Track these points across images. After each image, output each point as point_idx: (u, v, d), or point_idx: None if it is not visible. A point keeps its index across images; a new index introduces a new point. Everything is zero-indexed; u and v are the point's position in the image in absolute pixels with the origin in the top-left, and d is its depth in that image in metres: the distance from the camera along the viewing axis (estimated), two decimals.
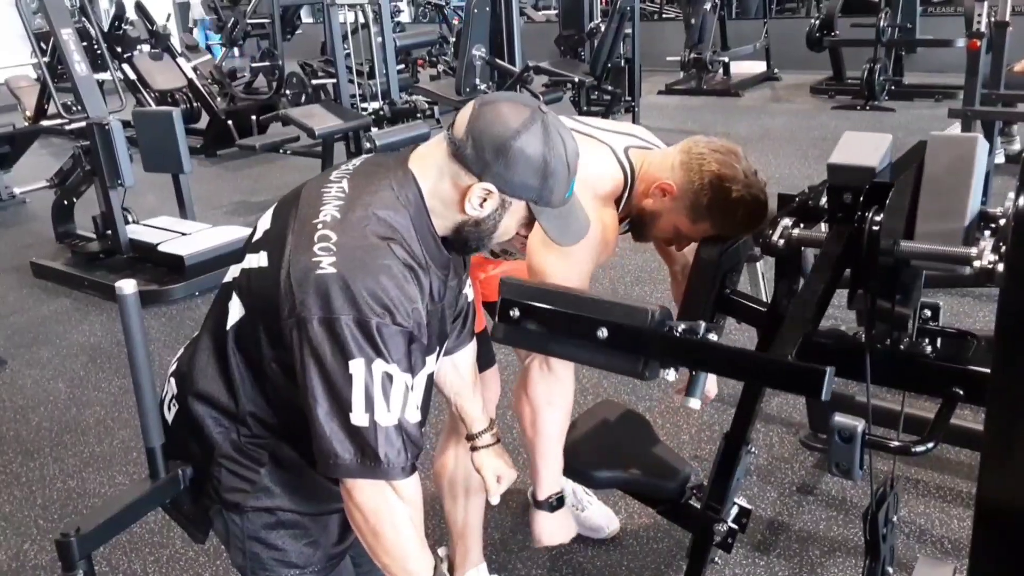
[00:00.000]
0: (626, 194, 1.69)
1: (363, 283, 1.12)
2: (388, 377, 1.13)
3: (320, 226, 1.17)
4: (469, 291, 1.53)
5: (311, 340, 1.12)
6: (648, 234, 1.75)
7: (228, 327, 1.27)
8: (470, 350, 1.59)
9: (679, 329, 1.38)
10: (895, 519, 1.69)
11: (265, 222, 1.30)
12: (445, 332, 1.39)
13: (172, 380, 1.41)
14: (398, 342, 1.14)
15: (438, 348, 1.37)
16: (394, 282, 1.14)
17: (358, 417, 1.13)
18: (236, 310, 1.26)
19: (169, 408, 1.41)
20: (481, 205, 1.21)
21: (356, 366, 1.11)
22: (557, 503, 1.69)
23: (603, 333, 1.41)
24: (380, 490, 1.18)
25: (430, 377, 1.40)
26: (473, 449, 1.61)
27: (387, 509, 1.19)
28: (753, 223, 1.61)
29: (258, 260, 1.23)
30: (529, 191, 1.20)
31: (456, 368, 1.59)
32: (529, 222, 1.26)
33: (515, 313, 1.49)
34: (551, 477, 1.68)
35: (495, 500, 1.58)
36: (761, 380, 1.60)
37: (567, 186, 1.23)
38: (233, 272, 1.31)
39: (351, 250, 1.14)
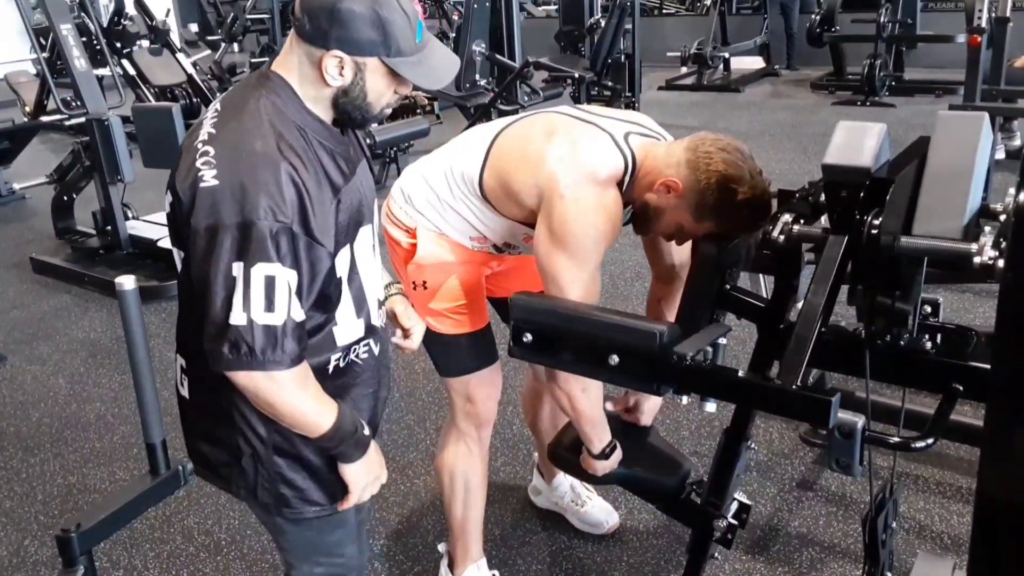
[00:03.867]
0: (627, 179, 1.68)
1: (243, 188, 1.19)
2: (270, 279, 1.20)
3: (200, 145, 1.25)
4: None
5: (198, 246, 1.21)
6: (650, 228, 1.75)
7: (181, 274, 1.33)
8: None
9: (689, 357, 1.43)
10: (894, 524, 1.69)
11: None
12: (372, 206, 1.43)
13: (178, 356, 1.45)
14: (283, 240, 1.20)
15: (370, 221, 1.42)
16: (274, 181, 1.20)
17: (236, 316, 1.20)
18: (178, 256, 1.32)
19: (182, 383, 1.44)
20: (340, 74, 1.27)
21: (238, 268, 1.19)
22: (611, 451, 1.85)
23: (615, 360, 1.47)
24: (261, 377, 1.25)
25: (374, 245, 1.45)
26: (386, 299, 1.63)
27: (271, 388, 1.26)
28: (756, 224, 1.60)
29: (167, 200, 1.31)
30: (375, 46, 1.25)
31: None
32: (395, 76, 1.30)
33: (528, 338, 1.56)
34: (600, 436, 1.83)
35: (412, 343, 1.59)
36: (769, 408, 1.64)
37: (413, 31, 1.27)
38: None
39: (228, 159, 1.22)
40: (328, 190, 1.28)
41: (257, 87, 1.30)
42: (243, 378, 1.26)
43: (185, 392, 1.44)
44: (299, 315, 1.25)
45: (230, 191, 1.19)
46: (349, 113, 1.32)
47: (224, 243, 1.19)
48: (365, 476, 1.44)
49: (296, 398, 1.30)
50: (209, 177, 1.21)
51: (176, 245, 1.33)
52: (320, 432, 1.34)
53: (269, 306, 1.21)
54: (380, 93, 1.31)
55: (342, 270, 1.35)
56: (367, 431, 1.42)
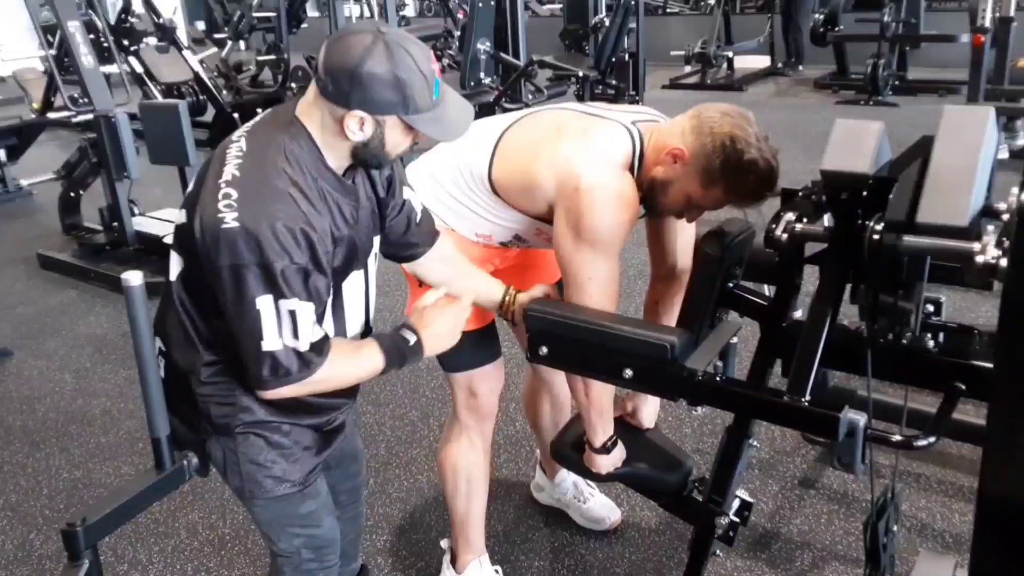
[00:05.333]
0: (636, 162, 1.68)
1: (262, 232, 1.29)
2: (292, 312, 1.33)
3: (223, 184, 1.33)
4: (414, 201, 1.67)
5: (225, 284, 1.31)
6: (659, 205, 1.73)
7: (173, 278, 1.44)
8: (444, 242, 1.75)
9: (700, 372, 1.49)
10: (895, 528, 1.69)
11: (191, 184, 1.46)
12: (368, 251, 1.55)
13: (156, 338, 1.55)
14: (297, 280, 1.32)
15: (363, 266, 1.54)
16: (289, 228, 1.31)
17: (269, 343, 1.33)
18: (176, 262, 1.44)
19: (159, 365, 1.54)
20: (361, 129, 1.35)
21: (264, 302, 1.31)
22: (612, 445, 1.87)
23: (628, 374, 1.55)
24: (301, 386, 1.39)
25: (366, 285, 1.58)
26: (512, 312, 1.77)
27: (315, 386, 1.41)
28: (763, 189, 1.60)
29: (180, 217, 1.42)
30: (394, 106, 1.33)
31: (445, 260, 1.75)
32: (411, 130, 1.38)
33: (544, 351, 1.65)
34: (605, 427, 1.85)
35: None
36: (779, 422, 1.68)
37: (430, 89, 1.35)
38: (172, 232, 1.50)
39: (250, 203, 1.31)
40: (329, 237, 1.39)
41: (282, 132, 1.39)
42: (287, 391, 1.39)
43: (162, 372, 1.53)
44: (320, 334, 1.38)
45: (250, 235, 1.29)
46: (367, 161, 1.42)
47: (248, 281, 1.30)
48: (445, 343, 1.58)
49: (341, 374, 1.45)
50: (230, 220, 1.30)
51: (178, 252, 1.44)
52: (379, 372, 1.49)
53: (295, 334, 1.34)
54: (397, 144, 1.40)
55: (328, 306, 1.46)
56: (412, 340, 1.51)
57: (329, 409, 1.58)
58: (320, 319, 1.44)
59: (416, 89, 1.32)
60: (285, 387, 1.37)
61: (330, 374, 1.40)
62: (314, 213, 1.35)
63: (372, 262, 1.58)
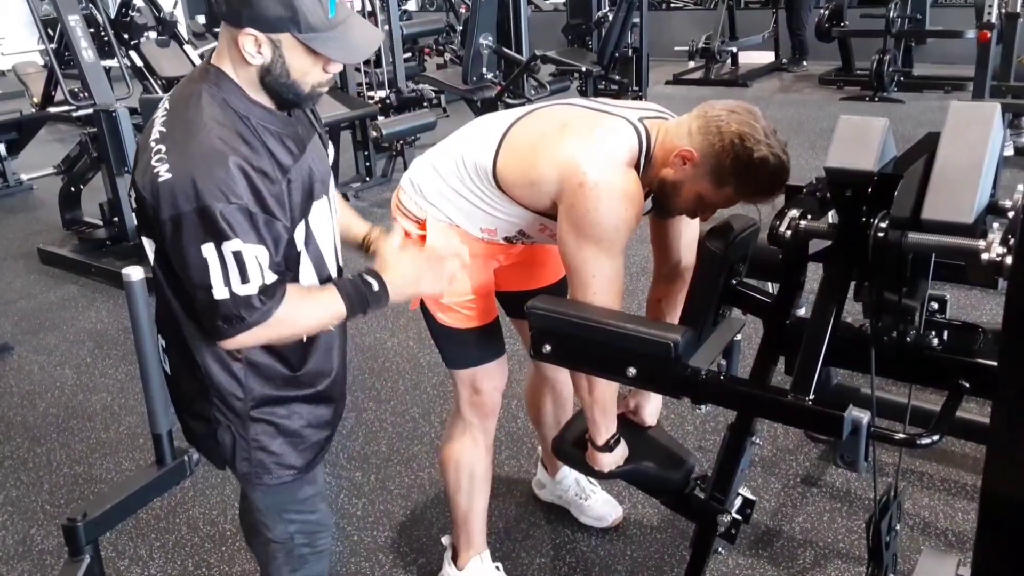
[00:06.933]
0: (643, 160, 1.67)
1: (195, 177, 1.26)
2: (238, 254, 1.28)
3: (153, 143, 1.32)
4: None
5: (168, 237, 1.30)
6: (671, 206, 1.73)
7: (153, 262, 1.42)
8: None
9: (704, 371, 1.49)
10: (898, 527, 1.69)
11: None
12: (326, 180, 1.50)
13: (159, 335, 1.55)
14: (239, 219, 1.28)
15: (325, 194, 1.48)
16: (222, 167, 1.27)
17: (219, 292, 1.29)
18: (149, 246, 1.41)
19: (164, 361, 1.55)
20: (259, 52, 1.31)
21: (208, 250, 1.28)
22: (615, 443, 1.86)
23: (632, 372, 1.55)
24: (259, 329, 1.34)
25: (331, 215, 1.51)
26: (375, 249, 1.68)
27: (275, 331, 1.36)
28: (776, 185, 1.59)
29: (132, 196, 1.41)
30: (284, 22, 1.28)
31: None
32: (317, 53, 1.32)
33: (548, 349, 1.65)
34: (608, 426, 1.84)
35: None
36: (783, 421, 1.67)
37: (324, 7, 1.29)
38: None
39: (179, 153, 1.29)
40: (277, 170, 1.34)
41: (199, 81, 1.36)
42: (247, 339, 1.34)
43: (167, 368, 1.54)
44: (272, 278, 1.34)
45: (183, 182, 1.27)
46: (279, 92, 1.36)
47: (188, 229, 1.27)
48: (412, 289, 1.53)
49: (299, 316, 1.39)
50: (163, 172, 1.28)
51: (145, 236, 1.41)
52: (343, 318, 1.44)
53: (244, 278, 1.30)
54: (304, 71, 1.35)
55: (299, 243, 1.42)
56: (376, 285, 1.45)
57: (317, 375, 1.54)
58: (293, 265, 1.41)
59: (306, 4, 1.27)
60: (243, 334, 1.33)
61: (287, 316, 1.36)
62: (248, 151, 1.31)
63: (333, 191, 1.54)
